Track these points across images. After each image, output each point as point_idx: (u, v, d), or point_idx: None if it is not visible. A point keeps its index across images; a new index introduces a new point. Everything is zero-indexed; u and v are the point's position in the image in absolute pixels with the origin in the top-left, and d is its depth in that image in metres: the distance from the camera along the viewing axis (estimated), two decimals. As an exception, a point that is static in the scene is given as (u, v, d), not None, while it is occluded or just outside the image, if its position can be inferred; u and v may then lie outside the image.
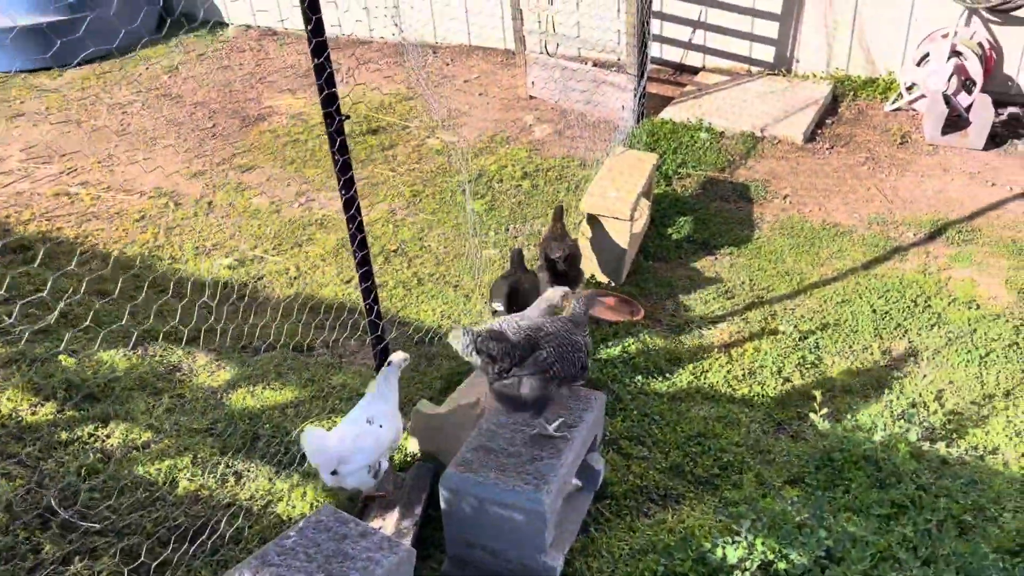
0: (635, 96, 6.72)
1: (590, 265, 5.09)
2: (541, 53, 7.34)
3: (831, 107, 6.93)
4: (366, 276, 3.50)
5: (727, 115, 6.73)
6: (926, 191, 5.85)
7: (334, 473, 3.15)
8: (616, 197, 4.96)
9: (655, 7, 7.61)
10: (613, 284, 5.08)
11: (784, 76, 7.36)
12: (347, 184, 3.31)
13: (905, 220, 5.57)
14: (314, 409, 3.86)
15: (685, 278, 5.15)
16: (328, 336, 4.43)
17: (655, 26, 7.71)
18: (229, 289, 5.00)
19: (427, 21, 8.68)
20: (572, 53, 7.73)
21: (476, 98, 7.66)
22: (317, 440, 3.10)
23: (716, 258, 5.35)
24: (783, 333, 4.52)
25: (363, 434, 3.18)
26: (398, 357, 3.28)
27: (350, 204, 3.34)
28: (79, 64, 8.64)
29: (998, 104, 6.69)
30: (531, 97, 7.52)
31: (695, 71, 7.76)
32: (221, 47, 9.20)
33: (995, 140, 6.31)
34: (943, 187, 5.87)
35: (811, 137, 6.50)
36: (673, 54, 7.83)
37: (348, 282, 5.09)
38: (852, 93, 7.04)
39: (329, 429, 3.24)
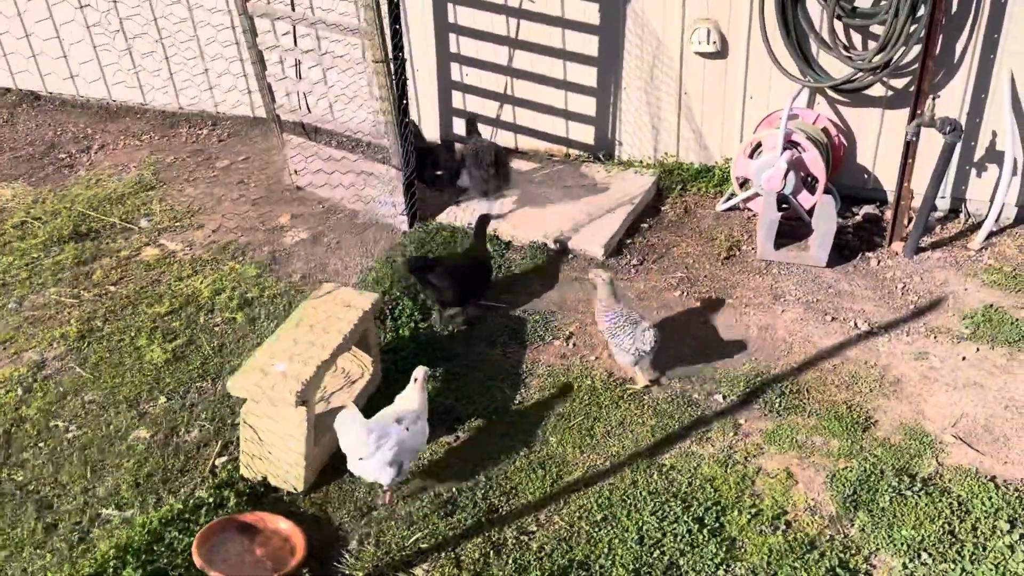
0: (404, 193, 5.29)
1: (259, 464, 3.58)
2: (301, 135, 5.88)
3: (653, 205, 5.59)
4: None
5: (520, 219, 5.34)
6: (749, 328, 4.50)
7: (360, 459, 3.35)
8: (285, 371, 3.47)
9: (455, 76, 6.25)
10: (291, 493, 3.58)
11: (604, 163, 6.02)
12: None
13: (716, 373, 4.20)
14: None
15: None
16: None
17: (456, 99, 6.34)
18: None
19: (203, 87, 7.17)
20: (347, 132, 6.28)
21: (232, 187, 6.15)
22: (354, 425, 3.33)
23: (457, 436, 3.90)
24: (497, 590, 3.06)
25: (390, 433, 3.37)
26: (421, 372, 3.60)
27: None
28: None
29: (852, 202, 5.45)
30: (299, 188, 6.04)
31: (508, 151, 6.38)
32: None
33: (844, 252, 5.03)
34: (770, 322, 4.53)
35: (617, 249, 5.13)
36: (481, 133, 6.44)
37: None
38: (682, 185, 5.72)
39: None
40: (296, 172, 5.99)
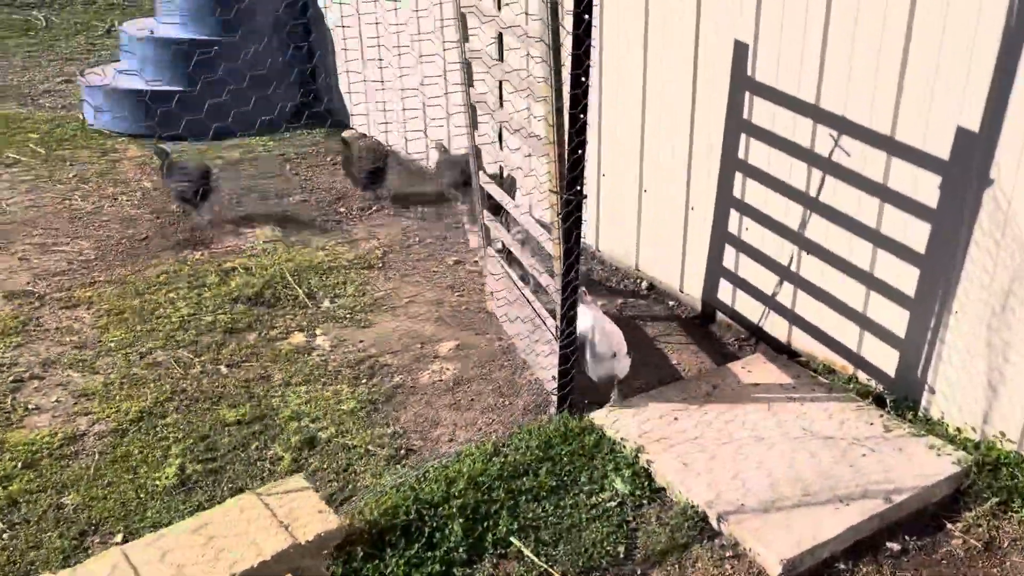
0: (559, 366, 3.86)
1: None
2: (492, 248, 4.76)
3: (933, 513, 3.34)
4: None
5: (697, 458, 3.55)
6: None
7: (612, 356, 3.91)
8: (104, 603, 2.37)
9: (732, 226, 4.63)
10: None
11: (892, 411, 3.87)
12: None
13: None
14: None
15: None
16: None
17: (728, 256, 4.70)
18: None
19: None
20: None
21: (437, 291, 5.27)
22: (614, 332, 3.96)
23: None
24: None
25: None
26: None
27: None
28: (185, 139, 7.88)
29: None
30: (491, 314, 4.95)
31: (777, 346, 4.55)
32: (311, 151, 7.93)
33: None
34: None
35: (815, 571, 3.07)
36: (750, 310, 4.70)
37: None
38: (1005, 496, 3.37)
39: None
40: (492, 295, 4.90)
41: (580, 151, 3.38)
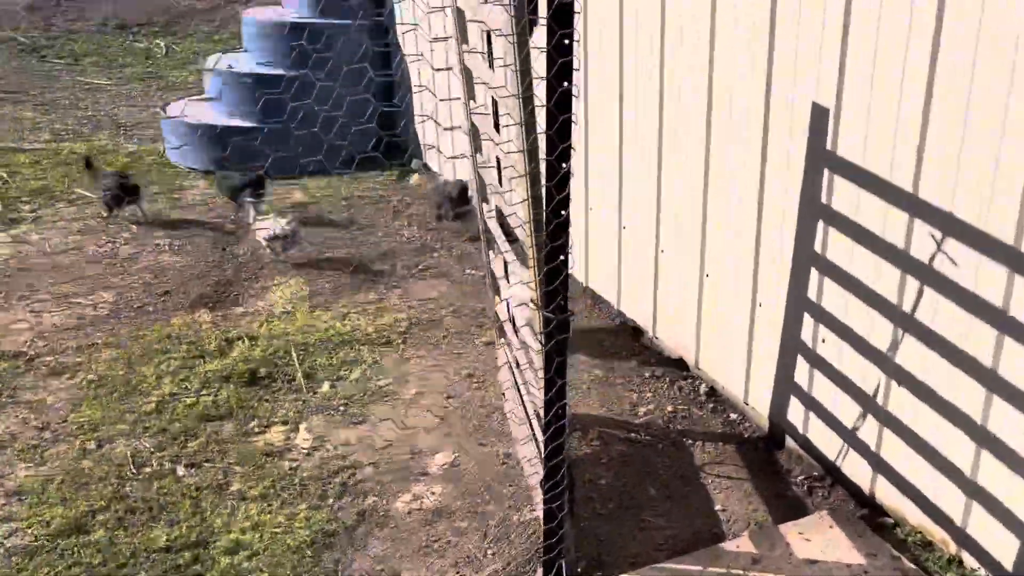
0: (543, 513, 2.99)
1: None
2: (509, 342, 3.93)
3: None
4: None
5: None
6: None
7: None
8: None
9: (805, 334, 3.64)
10: None
11: (1004, 628, 2.77)
12: None
13: None
14: None
15: None
16: None
17: (800, 372, 3.70)
18: None
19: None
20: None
21: (457, 380, 4.51)
22: None
23: None
24: None
25: None
26: None
27: None
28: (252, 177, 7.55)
29: None
30: (504, 414, 4.14)
31: (857, 493, 3.50)
32: (383, 195, 7.40)
33: None
34: None
35: None
36: (825, 442, 3.67)
37: None
38: None
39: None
40: (504, 395, 4.08)
41: (561, 256, 2.53)
